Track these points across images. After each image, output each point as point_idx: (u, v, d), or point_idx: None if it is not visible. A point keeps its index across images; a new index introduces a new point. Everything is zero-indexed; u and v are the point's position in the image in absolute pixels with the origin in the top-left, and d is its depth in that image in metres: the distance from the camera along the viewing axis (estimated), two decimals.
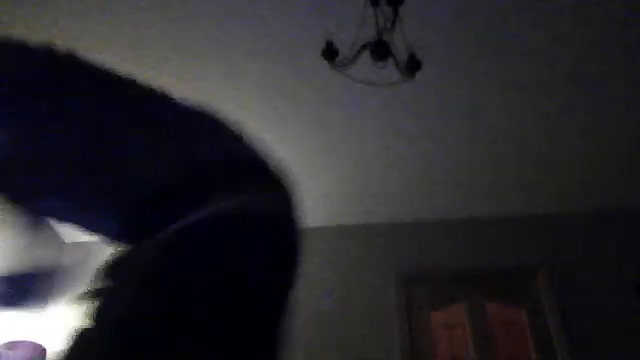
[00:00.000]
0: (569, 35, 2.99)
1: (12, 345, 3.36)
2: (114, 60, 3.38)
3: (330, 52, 2.37)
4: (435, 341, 3.76)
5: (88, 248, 4.63)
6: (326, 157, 3.74)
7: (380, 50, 2.32)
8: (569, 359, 3.57)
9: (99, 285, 0.92)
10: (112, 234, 1.06)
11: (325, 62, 3.09)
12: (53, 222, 1.13)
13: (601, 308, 3.75)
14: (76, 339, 0.84)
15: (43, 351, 3.45)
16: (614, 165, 3.82)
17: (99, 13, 2.87)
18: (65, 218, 1.10)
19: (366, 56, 3.05)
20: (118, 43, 3.01)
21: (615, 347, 3.61)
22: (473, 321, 3.78)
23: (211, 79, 3.21)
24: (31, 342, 3.42)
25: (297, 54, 3.07)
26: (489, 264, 3.99)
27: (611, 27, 2.95)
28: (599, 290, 3.82)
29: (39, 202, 1.09)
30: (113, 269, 0.93)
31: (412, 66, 2.38)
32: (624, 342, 3.62)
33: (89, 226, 1.10)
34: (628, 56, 3.10)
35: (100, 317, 0.84)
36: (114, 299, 0.84)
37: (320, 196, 4.04)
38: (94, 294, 0.90)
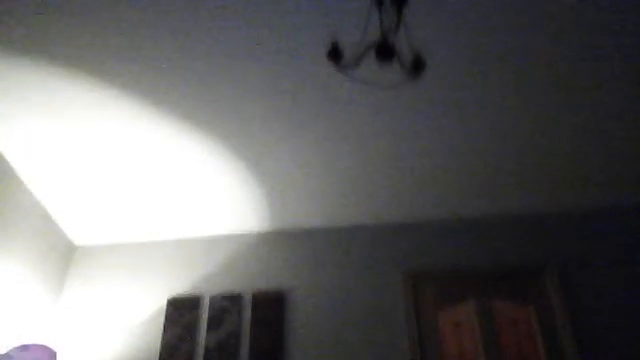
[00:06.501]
0: (569, 35, 3.00)
1: (23, 348, 3.38)
2: (114, 60, 3.46)
3: (335, 53, 2.38)
4: (443, 340, 3.77)
5: (98, 251, 4.70)
6: (326, 157, 3.76)
7: (385, 51, 2.33)
8: (577, 357, 3.57)
9: None
10: None
11: (326, 62, 3.12)
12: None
13: (609, 306, 3.75)
14: None
15: (54, 354, 3.47)
16: (617, 163, 3.83)
17: (99, 13, 2.89)
18: None
19: (369, 57, 3.09)
20: (118, 43, 3.04)
21: (623, 345, 3.61)
22: (481, 320, 3.79)
23: (212, 79, 3.24)
24: (42, 345, 3.45)
25: (298, 54, 3.10)
26: (497, 262, 4.01)
27: (611, 27, 2.96)
28: (607, 288, 3.82)
29: None
30: None
31: (418, 66, 2.39)
32: (632, 340, 3.62)
33: None
34: (628, 56, 3.11)
35: None
36: None
37: (320, 196, 4.07)
38: None
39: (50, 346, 3.65)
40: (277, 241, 4.31)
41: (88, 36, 3.00)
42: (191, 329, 3.94)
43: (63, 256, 4.31)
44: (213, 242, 4.37)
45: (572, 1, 2.83)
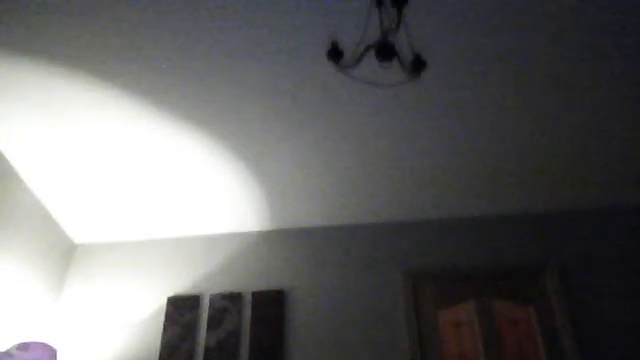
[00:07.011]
0: (569, 35, 3.00)
1: (24, 347, 3.39)
2: (114, 60, 3.47)
3: (335, 53, 2.39)
4: (443, 340, 3.78)
5: (98, 250, 4.70)
6: (326, 157, 3.76)
7: (385, 51, 2.33)
8: (577, 357, 3.57)
9: None
10: None
11: (326, 62, 3.13)
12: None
13: (609, 306, 3.75)
14: None
15: (54, 353, 3.48)
16: (617, 163, 3.83)
17: (99, 13, 2.90)
18: None
19: (369, 57, 3.09)
20: (118, 44, 3.04)
21: (623, 345, 3.61)
22: (481, 319, 3.80)
23: (212, 79, 3.24)
24: (42, 344, 3.46)
25: (298, 54, 3.10)
26: (497, 262, 4.01)
27: (611, 27, 2.96)
28: (607, 288, 3.82)
29: None
30: None
31: (418, 66, 2.39)
32: (632, 340, 3.62)
33: None
34: (628, 56, 3.11)
35: None
36: None
37: (320, 196, 4.07)
38: None
39: (50, 344, 3.66)
40: (277, 240, 4.31)
41: (88, 36, 3.00)
42: (191, 328, 3.95)
43: (63, 254, 4.32)
44: (213, 241, 4.37)
45: (572, 1, 2.83)
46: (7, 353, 3.31)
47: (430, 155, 3.75)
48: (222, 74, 3.21)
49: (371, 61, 3.12)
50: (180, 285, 4.19)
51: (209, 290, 4.14)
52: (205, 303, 4.07)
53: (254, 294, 4.03)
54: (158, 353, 3.92)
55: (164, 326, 3.98)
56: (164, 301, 4.12)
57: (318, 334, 3.87)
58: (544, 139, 3.64)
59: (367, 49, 2.41)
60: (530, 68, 3.17)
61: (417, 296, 3.96)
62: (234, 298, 4.02)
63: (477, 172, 3.89)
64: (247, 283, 4.13)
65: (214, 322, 3.95)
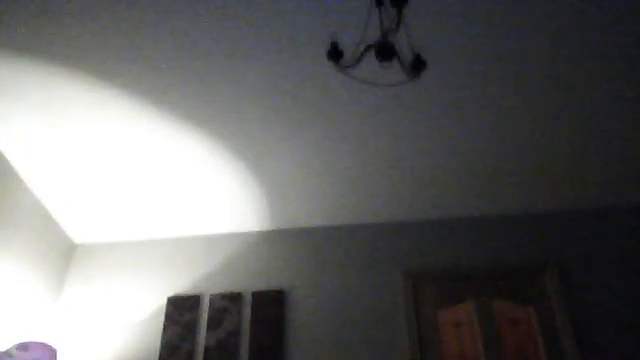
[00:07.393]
0: (569, 35, 3.00)
1: (24, 347, 3.39)
2: (114, 60, 3.47)
3: (335, 53, 2.39)
4: (443, 340, 3.78)
5: (98, 250, 4.70)
6: (326, 157, 3.76)
7: (385, 51, 2.33)
8: (577, 357, 3.57)
9: None
10: None
11: (326, 62, 3.13)
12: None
13: (609, 306, 3.75)
14: None
15: (54, 353, 3.48)
16: (617, 163, 3.83)
17: (99, 13, 2.89)
18: None
19: (369, 57, 3.09)
20: (118, 44, 3.04)
21: (623, 345, 3.62)
22: (481, 319, 3.80)
23: (212, 79, 3.24)
24: (42, 344, 3.46)
25: (298, 54, 3.10)
26: (497, 262, 4.01)
27: (611, 27, 2.96)
28: (607, 288, 3.82)
29: None
30: None
31: (418, 66, 2.39)
32: (632, 340, 3.62)
33: None
34: (628, 56, 3.11)
35: None
36: None
37: (320, 196, 4.07)
38: None
39: (50, 344, 3.66)
40: (277, 240, 4.31)
41: (88, 36, 3.00)
42: (191, 328, 3.95)
43: (63, 254, 4.32)
44: (213, 241, 4.37)
45: (572, 1, 2.83)
46: (7, 353, 3.31)
47: (430, 155, 3.75)
48: (222, 74, 3.21)
49: (371, 61, 3.12)
50: (180, 285, 4.19)
51: (209, 290, 4.14)
52: (205, 303, 4.08)
53: (254, 294, 4.03)
54: (158, 353, 3.92)
55: (164, 326, 3.98)
56: (164, 301, 4.12)
57: (318, 334, 3.87)
58: (544, 139, 3.64)
59: (367, 49, 2.41)
60: (530, 68, 3.17)
61: (417, 296, 3.96)
62: (234, 298, 4.02)
63: (477, 172, 3.89)
64: (247, 283, 4.13)
65: (214, 322, 3.95)
